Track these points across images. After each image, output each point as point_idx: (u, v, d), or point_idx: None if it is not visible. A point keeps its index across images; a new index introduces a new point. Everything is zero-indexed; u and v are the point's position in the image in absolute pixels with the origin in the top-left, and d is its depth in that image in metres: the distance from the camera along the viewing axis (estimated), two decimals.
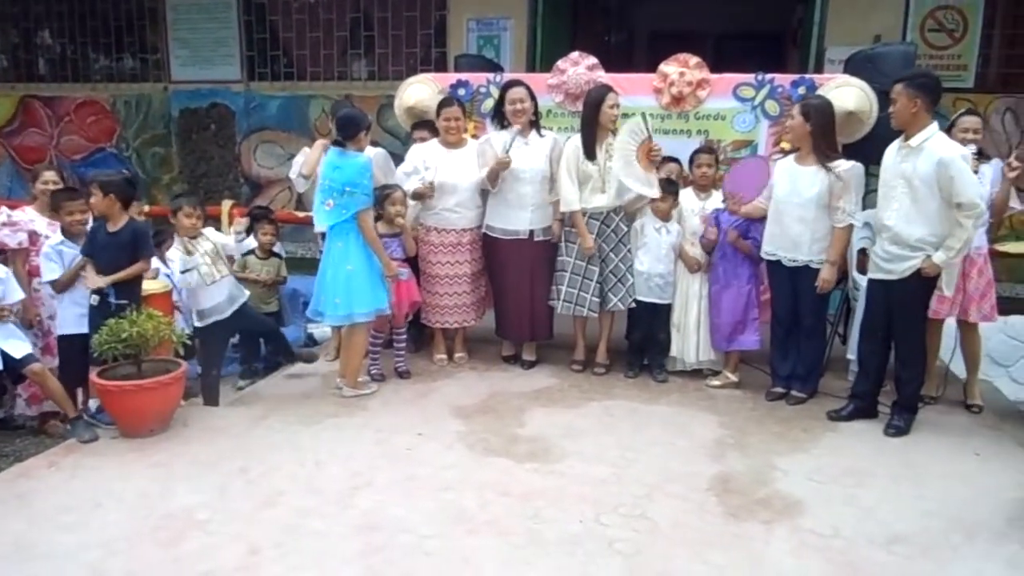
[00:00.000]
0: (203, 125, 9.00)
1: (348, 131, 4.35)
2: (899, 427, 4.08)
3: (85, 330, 4.15)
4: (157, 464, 3.62)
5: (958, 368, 4.72)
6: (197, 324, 4.48)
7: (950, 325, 4.56)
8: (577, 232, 4.67)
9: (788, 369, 4.55)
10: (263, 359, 5.54)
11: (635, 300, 4.76)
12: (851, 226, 4.22)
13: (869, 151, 4.41)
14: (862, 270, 4.83)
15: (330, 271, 4.37)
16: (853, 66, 5.08)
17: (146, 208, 7.82)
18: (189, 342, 4.17)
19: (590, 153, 4.59)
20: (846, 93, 4.55)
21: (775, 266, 4.39)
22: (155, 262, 5.18)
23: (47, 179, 4.72)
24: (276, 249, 5.64)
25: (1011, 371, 5.54)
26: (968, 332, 4.52)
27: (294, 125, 8.71)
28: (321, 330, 5.98)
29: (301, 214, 7.05)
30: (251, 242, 5.30)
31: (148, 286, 4.53)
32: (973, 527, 3.16)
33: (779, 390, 4.56)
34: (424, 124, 5.18)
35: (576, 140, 4.63)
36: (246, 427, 4.08)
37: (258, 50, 8.81)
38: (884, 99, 4.59)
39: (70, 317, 4.35)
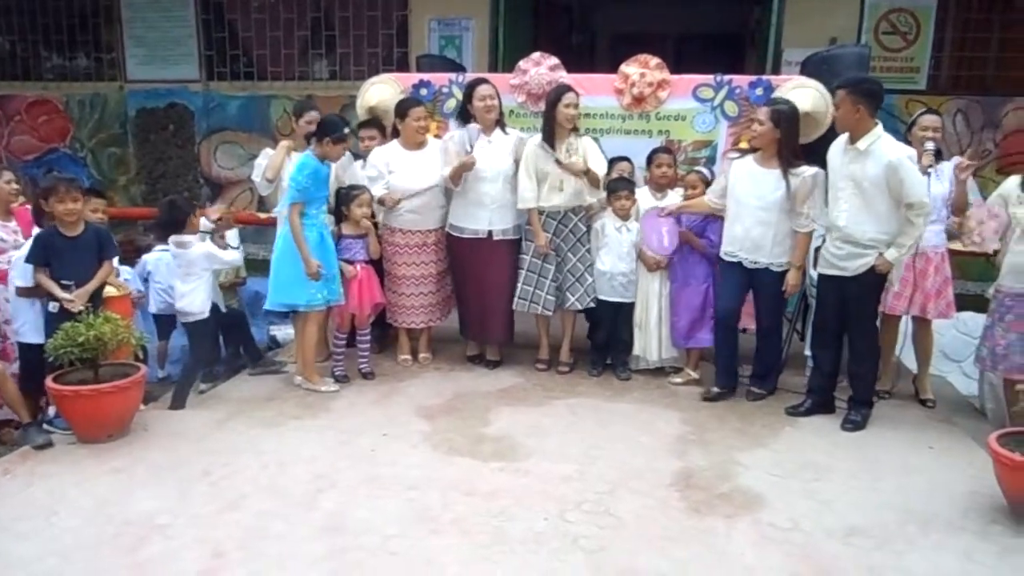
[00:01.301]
0: (161, 125, 8.87)
1: (322, 132, 4.40)
2: (856, 422, 4.16)
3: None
4: (116, 470, 3.56)
5: (909, 362, 4.84)
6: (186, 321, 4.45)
7: (903, 321, 4.67)
8: (532, 231, 4.70)
9: (729, 370, 4.56)
10: (223, 361, 5.48)
11: (597, 299, 4.79)
12: (812, 231, 4.29)
13: (824, 152, 4.50)
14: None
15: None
16: (809, 68, 5.18)
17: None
18: (147, 345, 4.11)
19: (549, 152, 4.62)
20: (802, 94, 4.63)
21: (731, 267, 4.42)
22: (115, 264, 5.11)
23: (9, 179, 4.60)
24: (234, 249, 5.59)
25: (963, 366, 5.68)
26: (923, 328, 4.63)
27: (255, 125, 8.63)
28: (284, 333, 5.93)
29: (263, 215, 6.99)
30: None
31: (109, 290, 4.46)
32: (928, 519, 3.24)
33: (717, 389, 4.56)
34: (371, 123, 5.15)
35: (537, 139, 4.65)
36: (208, 430, 4.03)
37: (217, 49, 8.70)
38: None
39: (31, 325, 4.20)
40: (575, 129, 4.65)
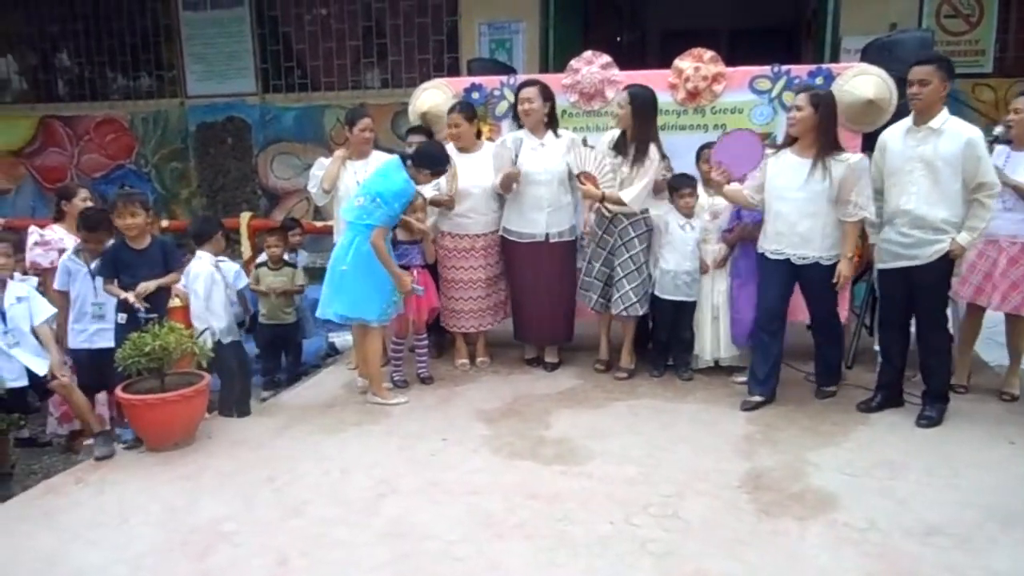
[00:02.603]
0: (220, 139, 9.07)
1: (420, 160, 4.37)
2: (931, 417, 4.00)
3: (89, 346, 4.30)
4: (183, 477, 3.62)
5: (987, 356, 4.63)
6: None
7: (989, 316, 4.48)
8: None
9: (770, 375, 4.32)
10: (284, 370, 5.56)
11: (657, 298, 4.69)
12: (862, 219, 4.11)
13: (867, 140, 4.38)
14: None
15: (331, 266, 4.44)
16: (870, 55, 5.02)
17: (165, 223, 7.91)
18: (212, 354, 4.17)
19: (619, 150, 4.54)
20: (865, 82, 4.49)
21: (777, 265, 4.21)
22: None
23: (85, 196, 4.75)
24: (292, 258, 5.67)
25: None
26: (1016, 322, 4.41)
27: (309, 135, 8.76)
28: (343, 339, 5.99)
29: (319, 224, 7.08)
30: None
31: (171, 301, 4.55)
32: (1010, 516, 3.09)
33: (756, 399, 4.31)
34: (419, 129, 5.15)
35: (610, 135, 4.61)
36: (270, 437, 4.07)
37: (272, 62, 8.87)
38: (903, 86, 4.52)
39: (72, 334, 4.41)
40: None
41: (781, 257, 4.20)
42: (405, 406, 4.46)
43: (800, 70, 4.83)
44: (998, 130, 4.15)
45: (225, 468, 3.70)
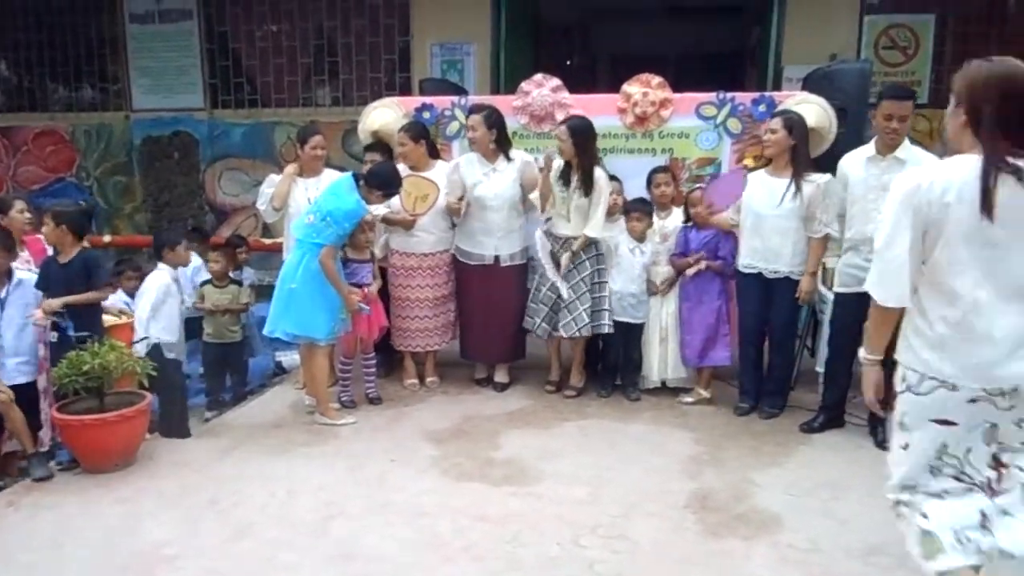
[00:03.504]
0: (166, 153, 8.89)
1: (372, 181, 4.38)
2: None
3: (23, 380, 4.06)
4: (122, 500, 3.52)
5: None
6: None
7: None
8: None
9: (756, 383, 4.58)
10: (229, 389, 5.45)
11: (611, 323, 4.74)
12: (827, 236, 4.26)
13: (825, 167, 4.50)
14: (828, 284, 4.89)
15: (279, 283, 4.39)
16: (812, 84, 5.18)
17: (107, 239, 7.73)
18: (154, 373, 4.07)
19: (565, 181, 4.60)
20: (806, 110, 4.62)
21: (750, 280, 4.40)
22: (120, 294, 5.12)
23: (21, 208, 4.62)
24: (238, 276, 5.60)
25: None
26: None
27: (259, 152, 8.64)
28: (290, 359, 5.90)
29: (268, 241, 7.00)
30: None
31: (110, 318, 4.44)
32: None
33: (746, 405, 4.57)
34: (377, 147, 5.14)
35: (560, 163, 4.65)
36: (214, 459, 3.99)
37: (221, 78, 8.75)
38: (842, 116, 4.68)
39: (10, 367, 4.11)
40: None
41: (754, 271, 4.35)
42: (353, 426, 4.42)
43: (744, 97, 4.96)
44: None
45: (167, 490, 3.61)
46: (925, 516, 2.29)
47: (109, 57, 8.97)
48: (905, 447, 2.31)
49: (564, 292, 4.61)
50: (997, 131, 2.09)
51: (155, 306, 4.33)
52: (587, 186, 4.53)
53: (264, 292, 5.62)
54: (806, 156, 4.28)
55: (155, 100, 8.86)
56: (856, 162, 4.09)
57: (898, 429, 2.34)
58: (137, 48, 8.81)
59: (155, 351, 4.33)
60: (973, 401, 2.19)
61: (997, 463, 2.24)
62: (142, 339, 4.24)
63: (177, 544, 3.13)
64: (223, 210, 8.90)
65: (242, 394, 5.37)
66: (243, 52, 8.72)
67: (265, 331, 4.53)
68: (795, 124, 4.23)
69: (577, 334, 4.70)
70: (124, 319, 4.66)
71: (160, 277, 4.38)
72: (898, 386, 2.33)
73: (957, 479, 2.27)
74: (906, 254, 2.19)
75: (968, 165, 2.12)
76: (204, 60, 8.69)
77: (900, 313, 2.31)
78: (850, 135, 4.72)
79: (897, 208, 2.21)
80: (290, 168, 4.94)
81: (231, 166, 8.79)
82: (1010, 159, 2.07)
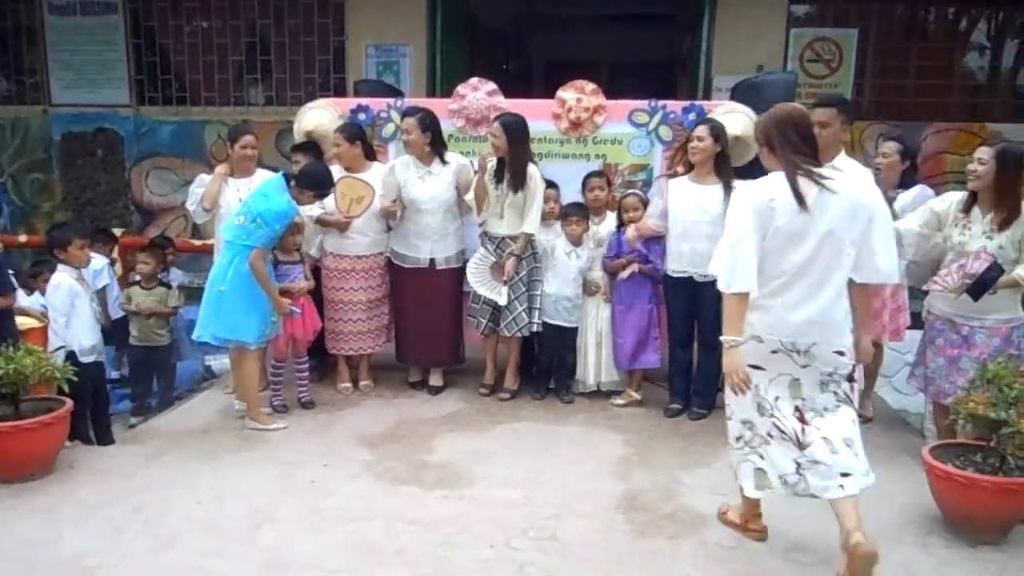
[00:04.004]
0: (89, 150, 8.62)
1: (303, 181, 4.31)
2: None
3: None
4: (41, 510, 3.40)
5: None
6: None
7: None
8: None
9: (685, 385, 4.68)
10: (156, 394, 5.33)
11: (542, 323, 4.78)
12: None
13: (749, 176, 4.63)
14: None
15: (208, 286, 4.31)
16: (739, 94, 5.33)
17: (23, 238, 7.45)
18: (75, 378, 3.94)
19: (498, 178, 4.64)
20: (733, 119, 4.74)
21: (679, 283, 4.50)
22: (37, 296, 4.95)
23: None
24: (165, 277, 5.47)
25: (892, 381, 5.84)
26: (873, 349, 4.73)
27: (188, 151, 8.46)
28: (220, 363, 5.79)
29: (198, 242, 6.84)
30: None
31: (24, 320, 4.29)
32: (868, 532, 3.31)
33: (677, 406, 4.67)
34: (305, 147, 5.08)
35: (493, 162, 4.69)
36: (138, 466, 3.88)
37: (148, 74, 8.53)
38: None
39: None
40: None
41: (684, 275, 4.44)
42: (284, 431, 4.36)
43: (675, 105, 5.07)
44: None
45: (89, 499, 3.51)
46: (761, 457, 3.00)
47: (26, 48, 8.65)
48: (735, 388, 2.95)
49: (502, 300, 4.63)
50: (788, 151, 2.83)
51: (66, 311, 4.19)
52: (519, 182, 4.58)
53: (194, 294, 5.50)
54: (729, 163, 4.41)
55: (76, 95, 8.59)
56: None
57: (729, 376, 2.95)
58: (57, 40, 8.52)
59: (72, 356, 4.20)
60: (775, 352, 2.90)
61: (801, 418, 2.92)
62: (59, 348, 4.09)
63: (99, 554, 3.04)
64: (150, 210, 8.69)
65: (169, 399, 5.26)
66: (171, 48, 8.53)
67: (194, 336, 4.43)
68: (721, 132, 4.36)
69: (519, 334, 4.74)
70: (47, 322, 4.50)
71: (61, 280, 4.23)
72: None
73: (777, 425, 2.92)
74: (752, 249, 2.79)
75: (779, 177, 2.83)
76: (130, 55, 8.48)
77: (745, 298, 2.85)
78: None
79: (743, 214, 2.84)
80: (221, 168, 4.85)
81: (159, 165, 8.59)
82: (803, 166, 2.80)
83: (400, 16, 7.99)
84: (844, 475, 2.83)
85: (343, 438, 4.27)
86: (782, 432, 2.92)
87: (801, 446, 2.88)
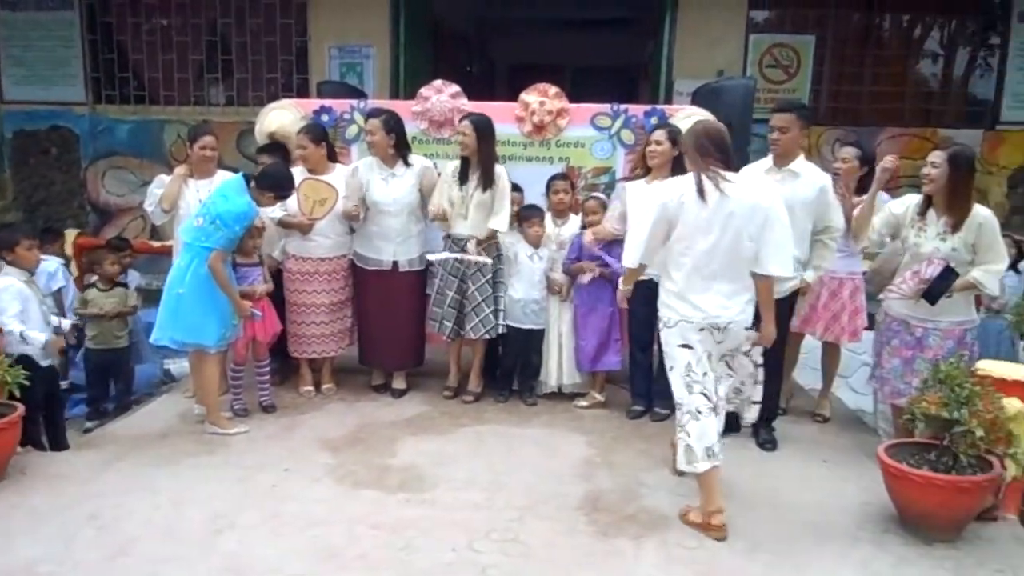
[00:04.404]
0: (42, 148, 8.43)
1: (264, 183, 4.26)
2: (773, 440, 4.29)
3: None
4: None
5: (802, 380, 5.04)
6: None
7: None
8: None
9: (647, 387, 4.71)
10: (113, 398, 5.22)
11: (508, 326, 4.80)
12: None
13: None
14: None
15: (167, 288, 4.24)
16: (700, 98, 5.39)
17: None
18: (26, 383, 3.85)
19: (463, 178, 4.65)
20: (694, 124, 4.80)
21: (639, 286, 4.48)
22: None
23: None
24: (123, 279, 5.37)
25: (850, 381, 5.95)
26: (831, 350, 4.82)
27: (147, 151, 8.31)
28: (179, 366, 5.70)
29: (156, 244, 6.73)
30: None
31: None
32: (827, 531, 3.37)
33: (639, 408, 4.71)
34: (271, 149, 5.04)
35: (455, 164, 4.70)
36: (94, 471, 3.81)
37: (104, 71, 8.37)
38: (728, 129, 4.88)
39: None
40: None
41: (644, 277, 4.43)
42: (245, 436, 4.31)
43: (637, 109, 5.12)
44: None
45: (41, 506, 3.43)
46: (688, 435, 3.31)
47: None
48: (671, 369, 3.37)
49: (485, 259, 4.63)
50: (700, 156, 3.29)
51: (15, 315, 4.09)
52: (488, 181, 4.59)
53: (152, 297, 5.41)
54: (684, 167, 4.42)
55: (30, 92, 8.41)
56: (756, 174, 4.23)
57: (666, 358, 3.41)
58: (9, 36, 8.33)
59: (25, 360, 4.10)
60: (701, 330, 3.30)
61: (715, 387, 3.35)
62: (17, 355, 4.00)
63: (51, 561, 2.97)
64: (107, 210, 8.52)
65: (127, 403, 5.16)
66: (129, 45, 8.38)
67: (152, 339, 4.36)
68: (678, 136, 4.37)
69: (487, 335, 4.75)
70: None
71: (9, 284, 4.13)
72: (660, 327, 3.41)
73: (705, 396, 3.31)
74: (645, 235, 3.36)
75: (691, 177, 3.30)
76: (86, 52, 8.30)
77: (640, 269, 3.52)
78: (735, 148, 4.92)
79: (652, 209, 3.35)
80: (180, 169, 4.78)
81: (116, 164, 8.43)
82: (710, 169, 3.25)
83: (363, 18, 7.95)
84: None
85: (305, 442, 4.23)
86: (708, 400, 3.31)
87: (716, 411, 3.37)
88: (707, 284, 3.27)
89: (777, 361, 4.36)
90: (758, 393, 3.61)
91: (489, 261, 4.65)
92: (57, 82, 8.36)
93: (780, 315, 4.17)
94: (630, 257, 3.47)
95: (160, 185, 4.72)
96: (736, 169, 3.39)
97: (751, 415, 3.67)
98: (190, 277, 4.14)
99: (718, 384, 3.37)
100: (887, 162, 4.20)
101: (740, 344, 3.40)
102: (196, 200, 4.59)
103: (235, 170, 4.86)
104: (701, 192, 3.22)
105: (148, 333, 4.71)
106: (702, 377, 3.31)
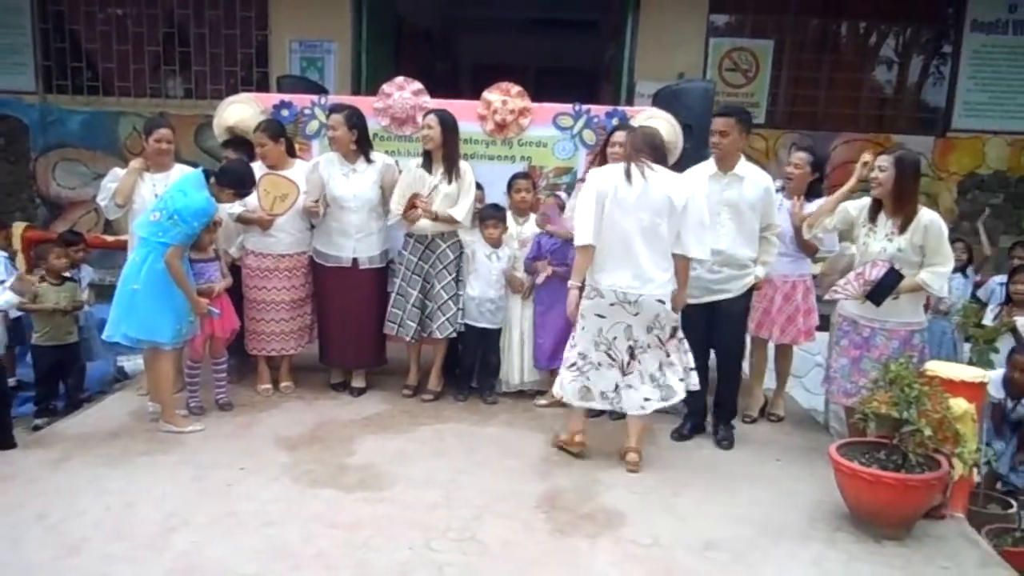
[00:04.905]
0: None
1: (224, 179, 4.21)
2: (731, 438, 4.36)
3: None
4: None
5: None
6: None
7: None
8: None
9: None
10: (63, 396, 5.11)
11: (465, 325, 4.80)
12: None
13: None
14: None
15: (120, 285, 4.16)
16: (660, 100, 5.44)
17: None
18: None
19: (428, 171, 4.65)
20: (655, 125, 4.85)
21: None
22: None
23: None
24: (75, 275, 5.26)
25: (804, 381, 6.07)
26: (784, 350, 4.91)
27: (100, 143, 8.14)
28: (133, 363, 5.60)
29: (110, 238, 6.59)
30: None
31: None
32: (780, 529, 3.42)
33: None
34: (234, 143, 4.97)
35: (418, 161, 4.69)
36: (43, 471, 3.73)
37: (56, 60, 8.17)
38: (688, 131, 4.96)
39: None
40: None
41: None
42: (200, 434, 4.24)
43: (599, 110, 5.15)
44: (777, 183, 4.61)
45: None
46: (588, 379, 3.92)
47: None
48: (583, 329, 3.90)
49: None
50: (633, 151, 3.81)
51: None
52: (454, 172, 4.62)
53: (105, 292, 5.30)
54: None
55: None
56: (700, 179, 4.26)
57: (580, 319, 3.89)
58: None
59: None
60: (612, 304, 3.80)
61: (631, 354, 3.87)
62: None
63: None
64: (58, 203, 8.32)
65: (77, 401, 5.06)
66: (83, 35, 8.20)
67: (104, 335, 4.26)
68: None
69: (453, 333, 4.76)
70: None
71: None
72: (584, 295, 3.85)
73: (608, 355, 3.88)
74: (590, 214, 3.74)
75: (621, 165, 3.79)
76: (36, 40, 8.10)
77: (591, 252, 3.77)
78: (695, 150, 5.00)
79: (589, 191, 3.80)
80: (136, 163, 4.69)
81: (68, 156, 8.24)
82: (639, 160, 3.76)
83: (325, 13, 7.88)
84: (646, 400, 3.90)
85: (262, 440, 4.18)
86: (611, 360, 3.89)
87: (624, 372, 3.89)
88: (624, 261, 3.74)
89: (738, 359, 4.44)
90: (672, 372, 3.93)
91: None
92: (6, 70, 8.16)
93: (736, 312, 4.32)
94: (583, 235, 3.75)
95: (115, 178, 4.63)
96: (667, 166, 3.88)
97: (635, 411, 3.94)
98: (145, 272, 4.07)
99: (643, 353, 3.86)
100: (865, 157, 4.25)
101: (661, 314, 3.80)
102: (152, 194, 4.51)
103: (194, 164, 4.79)
104: (628, 176, 3.72)
105: (101, 329, 4.62)
106: (611, 341, 3.85)
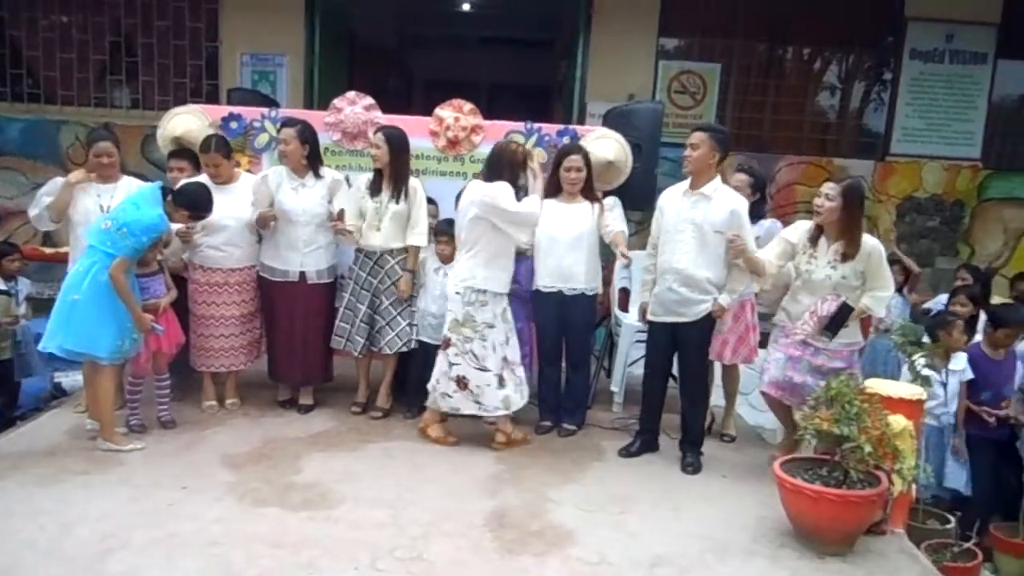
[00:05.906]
0: None
1: (182, 200, 4.16)
2: (696, 464, 4.32)
3: None
4: None
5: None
6: None
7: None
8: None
9: (555, 403, 4.77)
10: None
11: (414, 341, 4.77)
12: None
13: (622, 198, 4.92)
14: (623, 308, 5.21)
15: (62, 294, 4.05)
16: (611, 120, 5.51)
17: None
18: None
19: (375, 190, 4.63)
20: (605, 144, 4.92)
21: (547, 299, 4.58)
22: None
23: None
24: (11, 287, 5.11)
25: (749, 398, 6.14)
26: (731, 369, 4.96)
27: (41, 152, 7.92)
28: (72, 380, 5.44)
29: (49, 250, 6.42)
30: None
31: None
32: (725, 546, 3.46)
33: (547, 423, 4.76)
34: (181, 153, 4.88)
35: (368, 176, 4.68)
36: None
37: None
38: (637, 151, 5.03)
39: None
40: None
41: (553, 290, 4.52)
42: (141, 452, 4.14)
43: (550, 128, 5.19)
44: None
45: None
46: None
47: None
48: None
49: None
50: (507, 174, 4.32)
51: None
52: (401, 192, 4.61)
53: (43, 306, 5.14)
54: (592, 182, 4.64)
55: None
56: (674, 195, 4.30)
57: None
58: None
59: None
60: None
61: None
62: None
63: None
64: None
65: (11, 419, 4.89)
66: (24, 41, 7.99)
67: (40, 346, 4.13)
68: (586, 155, 4.58)
69: (404, 348, 4.74)
70: None
71: None
72: None
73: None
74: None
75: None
76: None
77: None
78: (644, 170, 5.08)
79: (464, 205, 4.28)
80: (73, 175, 4.53)
81: (6, 165, 8.00)
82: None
83: (277, 26, 7.82)
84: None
85: (205, 459, 4.09)
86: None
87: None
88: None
89: (703, 383, 4.47)
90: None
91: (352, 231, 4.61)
92: None
93: (697, 339, 4.30)
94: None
95: (52, 189, 4.49)
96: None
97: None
98: (88, 282, 3.97)
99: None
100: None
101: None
102: (96, 205, 4.41)
103: (142, 176, 4.68)
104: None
105: (38, 344, 4.49)
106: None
